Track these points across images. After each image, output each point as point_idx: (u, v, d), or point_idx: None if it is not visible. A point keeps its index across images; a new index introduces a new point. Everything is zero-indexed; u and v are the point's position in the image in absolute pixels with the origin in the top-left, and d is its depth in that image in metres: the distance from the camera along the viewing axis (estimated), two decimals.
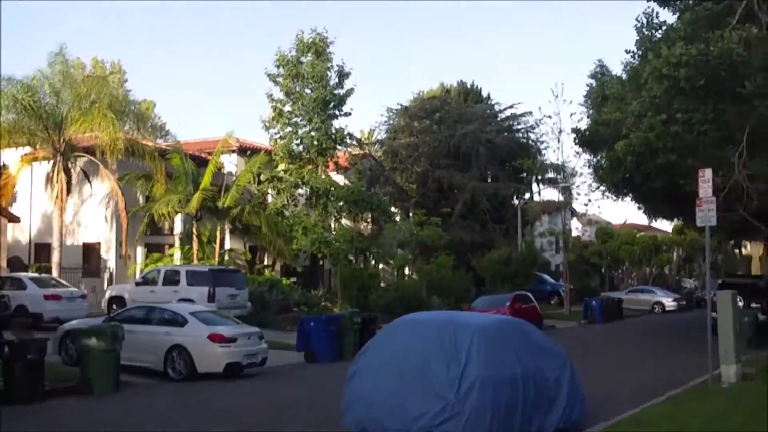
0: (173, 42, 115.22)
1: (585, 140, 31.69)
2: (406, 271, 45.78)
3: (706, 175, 17.83)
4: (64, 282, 29.47)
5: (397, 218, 47.52)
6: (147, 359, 19.93)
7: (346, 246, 38.54)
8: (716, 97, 21.94)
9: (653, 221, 46.29)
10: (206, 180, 34.81)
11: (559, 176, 49.24)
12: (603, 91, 30.63)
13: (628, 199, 35.07)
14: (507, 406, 11.17)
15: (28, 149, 35.01)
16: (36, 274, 30.40)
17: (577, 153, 40.19)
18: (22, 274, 29.49)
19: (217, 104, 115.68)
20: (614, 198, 35.69)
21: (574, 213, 65.38)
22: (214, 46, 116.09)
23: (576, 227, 73.50)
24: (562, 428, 12.21)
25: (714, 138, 22.64)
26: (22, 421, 14.22)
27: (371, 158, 50.36)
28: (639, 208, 39.00)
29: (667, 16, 38.77)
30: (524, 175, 52.94)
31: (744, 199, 22.75)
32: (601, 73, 33.08)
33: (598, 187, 36.88)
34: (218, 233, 36.08)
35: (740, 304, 20.25)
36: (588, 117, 32.17)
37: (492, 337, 11.66)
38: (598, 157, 33.84)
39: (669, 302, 51.33)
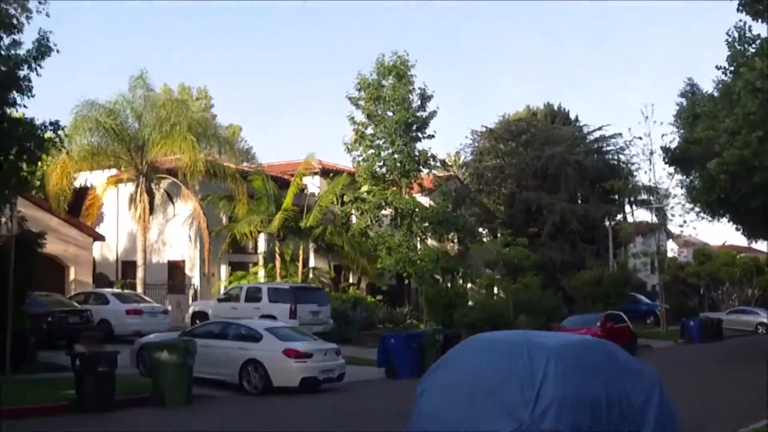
0: (258, 68, 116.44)
1: (675, 159, 30.30)
2: (495, 290, 44.71)
3: None
4: (146, 298, 29.60)
5: (484, 239, 46.57)
6: (223, 373, 19.79)
7: (431, 265, 37.77)
8: None
9: (753, 242, 44.08)
10: (288, 200, 34.71)
11: (652, 197, 47.69)
12: (694, 109, 29.24)
13: (724, 219, 33.43)
14: (587, 430, 10.20)
15: (113, 171, 35.42)
16: (119, 290, 30.62)
17: (670, 174, 38.66)
18: (105, 290, 29.81)
19: (301, 129, 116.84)
20: (709, 219, 34.15)
21: (669, 234, 63.52)
22: (297, 71, 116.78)
23: (672, 248, 71.48)
24: None
25: None
26: (90, 429, 14.20)
27: (457, 180, 49.61)
28: (737, 229, 37.22)
29: (761, 29, 36.96)
30: (615, 196, 51.37)
31: None
32: (692, 92, 31.83)
33: (692, 208, 35.28)
34: (301, 252, 35.82)
35: None
36: (678, 136, 30.73)
37: (571, 357, 10.66)
38: (691, 177, 32.34)
39: None
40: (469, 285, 43.63)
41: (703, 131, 25.53)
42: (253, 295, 29.68)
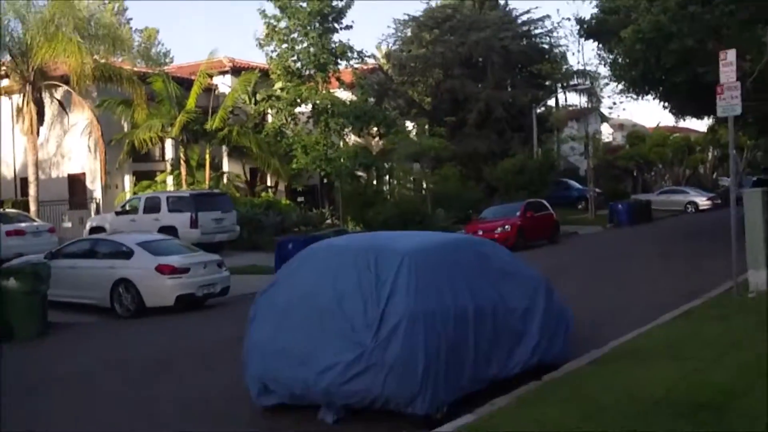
0: None
1: (591, 31, 27.48)
2: (423, 185, 42.52)
3: (728, 57, 14.35)
4: (33, 217, 26.88)
5: (410, 133, 44.11)
6: (93, 296, 17.72)
7: (349, 162, 35.34)
8: None
9: (680, 120, 42.22)
10: (191, 102, 31.81)
11: (582, 81, 45.44)
12: None
13: (650, 97, 31.19)
14: (450, 349, 8.10)
15: (6, 82, 32.12)
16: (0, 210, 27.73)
17: (599, 56, 36.07)
18: None
19: (219, 29, 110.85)
20: (634, 96, 31.93)
21: (603, 118, 61.69)
22: None
23: (606, 132, 69.71)
24: (535, 366, 9.23)
25: (742, 18, 18.92)
26: None
27: (381, 72, 46.67)
28: (665, 108, 35.14)
29: None
30: (545, 81, 48.85)
31: None
32: None
33: (616, 86, 32.97)
34: (207, 156, 33.05)
35: None
36: (597, 7, 27.91)
37: (429, 263, 8.48)
38: (614, 54, 29.85)
39: (703, 201, 47.51)
40: (394, 181, 41.57)
41: (622, 0, 23.03)
42: (152, 206, 27.31)
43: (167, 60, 56.81)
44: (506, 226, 28.24)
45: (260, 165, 35.27)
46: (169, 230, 25.68)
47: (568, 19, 45.02)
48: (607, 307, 14.68)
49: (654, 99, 31.28)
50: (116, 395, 10.28)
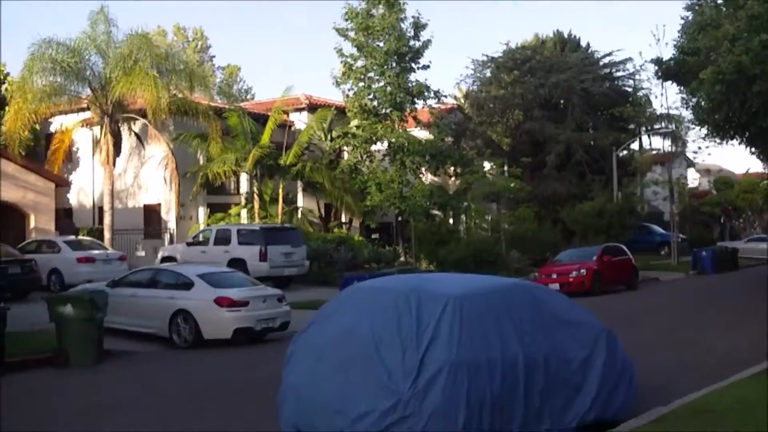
0: (255, 8, 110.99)
1: (670, 72, 26.38)
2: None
3: None
4: (104, 244, 27.18)
5: (488, 173, 43.45)
6: (152, 325, 17.55)
7: (423, 201, 34.88)
8: None
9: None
10: (265, 137, 32.11)
11: (666, 124, 44.18)
12: (697, 21, 25.62)
13: (735, 142, 29.88)
14: (496, 402, 7.41)
15: (88, 114, 32.74)
16: (73, 237, 28.13)
17: (683, 99, 34.86)
18: (57, 237, 27.43)
19: (298, 67, 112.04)
20: (718, 141, 30.65)
21: (689, 163, 59.90)
22: (293, 8, 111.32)
23: (692, 177, 67.64)
24: (593, 421, 8.41)
25: None
26: None
27: (458, 112, 46.24)
28: (752, 153, 33.74)
29: None
30: (627, 124, 47.74)
31: None
32: (698, 3, 27.93)
33: (699, 130, 31.78)
34: (281, 190, 33.03)
35: None
36: (675, 48, 26.83)
37: (476, 309, 7.87)
38: (697, 97, 28.72)
39: None
40: (469, 221, 40.89)
41: (703, 41, 22.08)
42: (223, 238, 27.43)
43: (248, 97, 57.48)
44: (582, 270, 27.29)
45: (333, 201, 35.10)
46: (239, 263, 25.80)
47: (650, 61, 43.06)
48: (681, 359, 13.72)
49: (740, 144, 30.06)
50: (153, 425, 9.98)
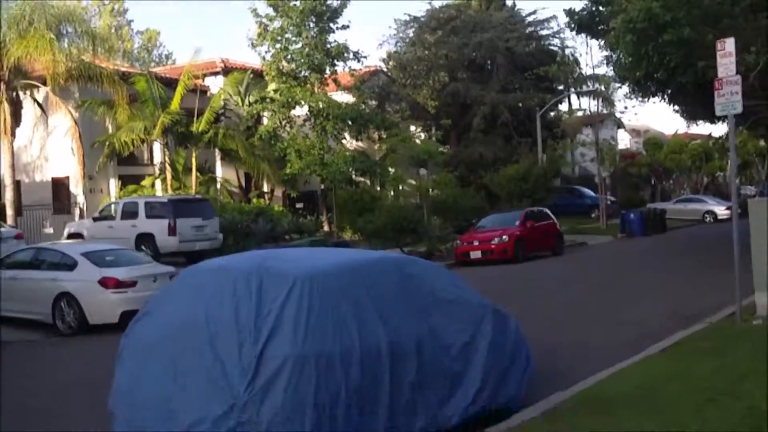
0: None
1: (583, 23, 25.14)
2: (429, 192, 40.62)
3: (727, 47, 12.34)
4: (3, 222, 25.39)
5: (416, 137, 42.35)
6: (35, 310, 16.15)
7: (345, 167, 33.66)
8: None
9: (692, 125, 39.96)
10: (175, 103, 30.26)
11: (593, 84, 43.39)
12: None
13: (656, 100, 29.07)
14: (353, 398, 6.31)
15: None
16: None
17: (606, 57, 33.85)
18: None
19: (217, 29, 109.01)
20: (641, 99, 29.80)
21: (619, 124, 59.54)
22: None
23: (623, 138, 67.39)
24: (479, 413, 7.43)
25: (745, 5, 17.03)
26: None
27: (382, 74, 44.88)
28: (675, 111, 33.09)
29: None
30: (552, 84, 46.77)
31: None
32: None
33: (619, 87, 30.97)
34: (194, 160, 31.38)
35: None
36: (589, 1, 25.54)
37: (330, 290, 6.72)
38: (618, 52, 27.76)
39: (722, 211, 44.93)
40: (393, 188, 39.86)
41: None
42: (130, 212, 25.67)
43: (169, 63, 55.24)
44: (504, 237, 26.41)
45: (251, 170, 33.63)
46: (147, 237, 24.58)
47: (564, 13, 40.82)
48: (589, 333, 12.80)
49: (661, 101, 29.31)
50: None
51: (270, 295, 6.44)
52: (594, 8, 23.74)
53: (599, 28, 24.73)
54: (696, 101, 27.86)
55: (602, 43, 26.88)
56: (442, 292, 7.68)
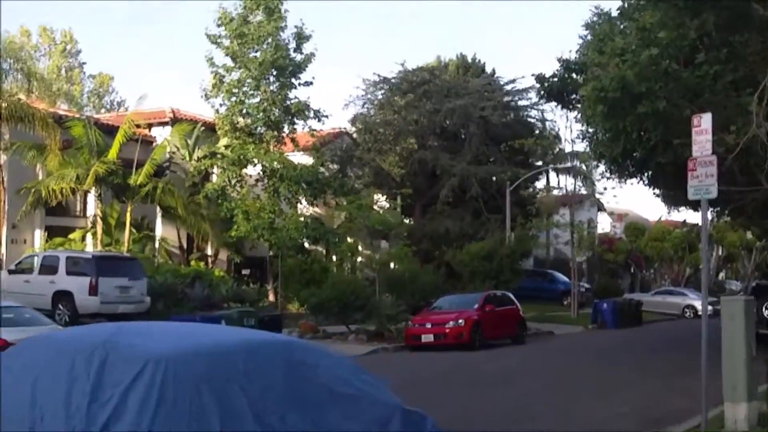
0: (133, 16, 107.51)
1: (554, 90, 24.68)
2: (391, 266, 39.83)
3: (703, 123, 11.64)
4: None
5: (379, 206, 41.84)
6: None
7: (296, 233, 32.91)
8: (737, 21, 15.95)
9: (672, 210, 39.71)
10: (112, 152, 29.56)
11: (572, 161, 43.15)
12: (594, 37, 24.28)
13: (634, 180, 28.59)
14: None
15: None
16: None
17: (582, 132, 33.27)
18: None
19: (176, 78, 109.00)
20: (617, 178, 29.31)
21: (600, 207, 59.41)
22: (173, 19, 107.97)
23: (604, 222, 67.18)
24: None
25: (727, 81, 16.68)
26: None
27: (346, 137, 44.48)
28: (656, 195, 32.72)
29: None
30: (532, 160, 46.37)
31: (765, 165, 16.10)
32: (599, 22, 26.67)
33: (597, 166, 30.52)
34: (128, 214, 30.49)
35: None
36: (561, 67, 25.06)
37: (191, 376, 5.70)
38: (595, 127, 27.34)
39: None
40: (359, 259, 39.13)
41: (591, 57, 20.80)
42: (49, 266, 25.03)
43: (122, 110, 54.59)
44: (460, 320, 25.57)
45: (190, 229, 32.78)
46: (65, 295, 23.95)
47: (533, 78, 38.96)
48: None
49: (640, 183, 28.83)
50: None
51: (114, 377, 5.51)
52: (566, 74, 23.35)
53: (571, 97, 24.37)
54: (676, 185, 27.42)
55: (579, 116, 26.51)
56: (340, 386, 6.77)
